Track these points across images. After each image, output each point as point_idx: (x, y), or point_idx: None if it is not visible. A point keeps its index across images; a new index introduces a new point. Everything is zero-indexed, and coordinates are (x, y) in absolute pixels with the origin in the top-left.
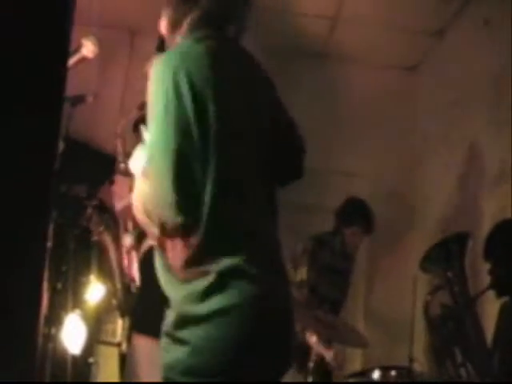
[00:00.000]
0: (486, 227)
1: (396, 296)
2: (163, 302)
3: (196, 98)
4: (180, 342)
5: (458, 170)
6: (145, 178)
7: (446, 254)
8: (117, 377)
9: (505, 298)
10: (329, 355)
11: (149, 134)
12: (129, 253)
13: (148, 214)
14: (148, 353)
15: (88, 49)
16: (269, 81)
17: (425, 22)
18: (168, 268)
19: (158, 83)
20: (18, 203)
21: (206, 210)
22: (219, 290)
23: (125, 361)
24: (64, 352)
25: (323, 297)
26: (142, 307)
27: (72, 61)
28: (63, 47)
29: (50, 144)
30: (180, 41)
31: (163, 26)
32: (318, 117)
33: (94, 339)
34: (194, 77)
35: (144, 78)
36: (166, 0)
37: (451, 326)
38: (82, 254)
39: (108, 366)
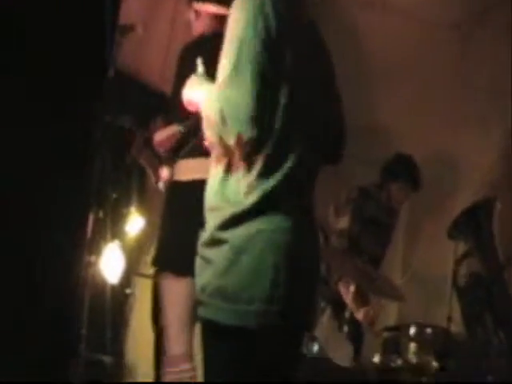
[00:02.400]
0: None
1: (435, 257)
2: (187, 237)
3: (280, 31)
4: (209, 262)
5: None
6: (224, 88)
7: (474, 220)
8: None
9: None
10: (359, 314)
11: (227, 55)
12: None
13: (224, 124)
14: (173, 291)
15: None
16: (329, 52)
17: None
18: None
19: (244, 10)
20: (63, 132)
21: (272, 137)
22: (255, 216)
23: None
24: (102, 281)
25: (363, 249)
26: (166, 244)
27: None
28: None
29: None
30: None
31: None
32: (360, 70)
33: (132, 270)
34: (281, 11)
35: (191, 13)
36: None
37: (480, 293)
38: (124, 184)
39: (145, 298)
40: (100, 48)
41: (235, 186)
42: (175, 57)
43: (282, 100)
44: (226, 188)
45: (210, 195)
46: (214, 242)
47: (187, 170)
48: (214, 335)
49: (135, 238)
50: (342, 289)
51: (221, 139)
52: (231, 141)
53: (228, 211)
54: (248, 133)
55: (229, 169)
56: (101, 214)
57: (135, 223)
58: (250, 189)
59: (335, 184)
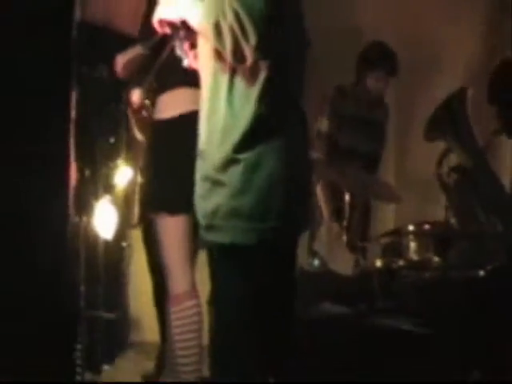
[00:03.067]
0: None
1: (427, 155)
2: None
3: None
4: (221, 184)
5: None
6: None
7: (449, 116)
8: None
9: None
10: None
11: None
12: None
13: (242, 27)
14: (172, 230)
15: None
16: None
17: None
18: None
19: None
20: (40, 86)
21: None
22: (258, 135)
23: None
24: (97, 238)
25: (353, 150)
26: (156, 185)
27: None
28: None
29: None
30: None
31: None
32: None
33: (126, 223)
34: None
35: None
36: None
37: (466, 186)
38: (109, 138)
39: (142, 249)
40: None
41: (245, 96)
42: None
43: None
44: (234, 102)
45: (215, 116)
46: (228, 164)
47: (170, 104)
48: (230, 258)
49: (125, 190)
50: (318, 192)
51: (236, 45)
52: (252, 42)
53: (240, 130)
54: (265, 32)
55: (234, 77)
56: (87, 173)
57: (124, 175)
58: (259, 101)
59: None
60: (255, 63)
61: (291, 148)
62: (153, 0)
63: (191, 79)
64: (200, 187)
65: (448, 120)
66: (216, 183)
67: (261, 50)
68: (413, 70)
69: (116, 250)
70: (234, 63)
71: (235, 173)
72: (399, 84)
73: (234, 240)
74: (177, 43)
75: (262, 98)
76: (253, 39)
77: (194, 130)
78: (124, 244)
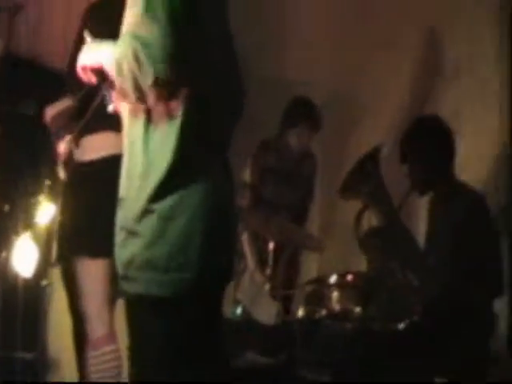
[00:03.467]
0: None
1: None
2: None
3: None
4: (136, 234)
5: (410, 69)
6: (136, 29)
7: (362, 176)
8: None
9: (430, 195)
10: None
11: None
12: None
13: (139, 65)
14: (91, 273)
15: None
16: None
17: None
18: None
19: None
20: None
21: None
22: (174, 183)
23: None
24: (16, 276)
25: (277, 202)
26: (77, 228)
27: None
28: None
29: None
30: None
31: None
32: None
33: (47, 261)
34: None
35: None
36: None
37: (380, 243)
38: (32, 173)
39: (62, 289)
40: None
41: (160, 142)
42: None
43: (196, 43)
44: (150, 145)
45: (132, 162)
46: (143, 214)
47: (92, 147)
48: (146, 309)
49: (47, 227)
50: (243, 240)
51: (136, 84)
52: (148, 81)
53: (155, 178)
54: (167, 69)
55: (149, 120)
56: (6, 208)
57: (46, 212)
58: (175, 145)
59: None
60: (165, 104)
61: (211, 196)
62: (80, 40)
63: (115, 123)
64: (118, 236)
65: (361, 180)
66: (131, 233)
67: (162, 89)
68: (341, 121)
69: (36, 288)
70: (137, 103)
71: (149, 223)
72: (325, 136)
73: (148, 291)
74: (103, 89)
75: (178, 141)
76: (149, 79)
77: (117, 174)
78: (44, 282)
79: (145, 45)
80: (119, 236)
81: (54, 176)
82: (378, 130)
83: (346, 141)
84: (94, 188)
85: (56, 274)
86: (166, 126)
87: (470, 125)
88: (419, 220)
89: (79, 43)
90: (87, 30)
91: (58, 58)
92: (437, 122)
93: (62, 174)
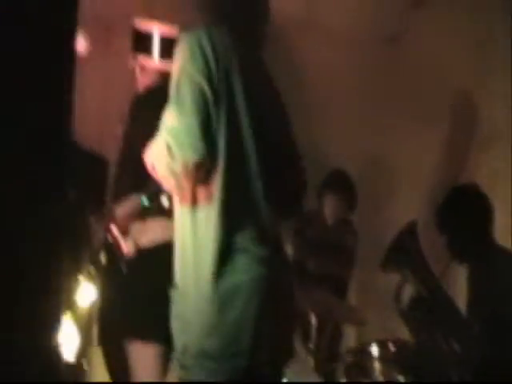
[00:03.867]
0: None
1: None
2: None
3: (221, 61)
4: (190, 323)
5: (443, 134)
6: (167, 122)
7: (402, 250)
8: None
9: (470, 262)
10: None
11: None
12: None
13: (170, 154)
14: (142, 358)
15: (80, 44)
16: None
17: None
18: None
19: (183, 47)
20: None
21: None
22: (229, 269)
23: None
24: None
25: (321, 274)
26: (129, 311)
27: None
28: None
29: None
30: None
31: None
32: (299, 95)
33: (87, 342)
34: (220, 42)
35: (123, 74)
36: None
37: (423, 315)
38: (73, 257)
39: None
40: None
41: (205, 226)
42: (112, 118)
43: (229, 125)
44: (198, 231)
45: (184, 250)
46: (196, 304)
47: (147, 232)
48: None
49: (88, 309)
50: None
51: (172, 171)
52: (179, 168)
53: (205, 267)
54: (194, 156)
55: (194, 206)
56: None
57: (87, 294)
58: (217, 233)
59: None
60: (205, 188)
61: (265, 281)
62: (133, 116)
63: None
64: (173, 324)
65: (401, 254)
66: (186, 322)
67: (197, 173)
68: (373, 194)
69: (76, 370)
70: (178, 190)
71: (204, 312)
72: (361, 206)
73: (203, 379)
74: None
75: (220, 225)
76: (180, 165)
77: (169, 260)
78: (84, 364)
79: (174, 135)
80: (174, 324)
81: (95, 260)
82: (414, 198)
83: (383, 210)
84: (148, 273)
85: (96, 355)
86: (208, 210)
87: (508, 186)
88: (460, 288)
89: (132, 134)
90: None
91: (94, 140)
92: (473, 190)
93: (103, 259)
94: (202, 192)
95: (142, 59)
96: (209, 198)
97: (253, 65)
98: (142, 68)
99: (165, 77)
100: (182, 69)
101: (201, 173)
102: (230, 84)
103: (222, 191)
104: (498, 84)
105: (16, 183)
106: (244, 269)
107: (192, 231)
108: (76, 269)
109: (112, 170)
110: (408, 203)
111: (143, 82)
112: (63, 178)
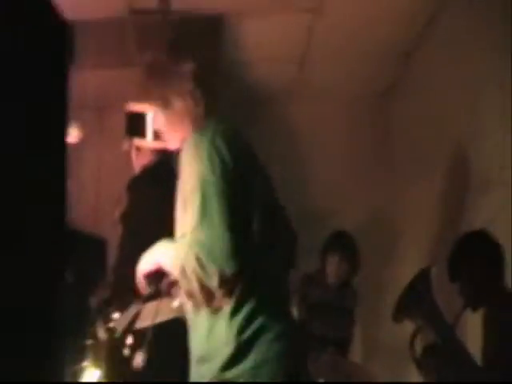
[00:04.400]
0: None
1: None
2: None
3: (238, 160)
4: None
5: (440, 188)
6: (196, 233)
7: (414, 298)
8: None
9: (483, 309)
10: None
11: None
12: None
13: (203, 268)
14: None
15: (73, 135)
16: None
17: (391, 46)
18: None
19: (197, 150)
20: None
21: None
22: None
23: None
24: None
25: (324, 336)
26: None
27: None
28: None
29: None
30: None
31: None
32: (294, 155)
33: None
34: (233, 141)
35: (117, 156)
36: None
37: (440, 363)
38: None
39: None
40: None
41: (226, 327)
42: (106, 199)
43: (255, 226)
44: (216, 331)
45: (199, 346)
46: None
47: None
48: None
49: None
50: None
51: (202, 285)
52: (214, 282)
53: (226, 352)
54: (230, 268)
55: (214, 312)
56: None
57: (91, 377)
58: (241, 326)
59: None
60: (231, 291)
61: (283, 359)
62: (131, 196)
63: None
64: None
65: (414, 302)
66: None
67: (229, 286)
68: (377, 250)
69: None
70: (205, 303)
71: None
72: (364, 265)
73: None
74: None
75: (242, 325)
76: (215, 280)
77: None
78: None
79: (206, 249)
80: None
81: (95, 340)
82: (416, 250)
83: (385, 265)
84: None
85: None
86: (232, 313)
87: (505, 231)
88: (474, 336)
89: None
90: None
91: (90, 221)
92: (484, 237)
93: (102, 334)
94: (227, 299)
95: (137, 141)
96: (234, 305)
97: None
98: (137, 149)
99: (160, 154)
100: (201, 176)
101: (233, 283)
102: (249, 182)
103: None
104: (491, 133)
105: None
106: (263, 350)
107: (209, 333)
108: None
109: (112, 252)
110: (410, 256)
111: (139, 162)
112: (63, 266)
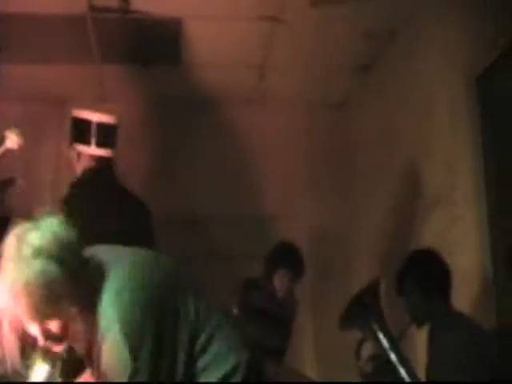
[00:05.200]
0: None
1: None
2: None
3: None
4: None
5: (390, 202)
6: None
7: (362, 309)
8: None
9: (428, 326)
10: None
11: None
12: None
13: None
14: None
15: (12, 140)
16: None
17: (349, 59)
18: None
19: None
20: None
21: None
22: None
23: None
24: None
25: (258, 342)
26: None
27: None
28: None
29: None
30: None
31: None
32: (251, 162)
33: None
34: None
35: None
36: None
37: (382, 373)
38: None
39: None
40: None
41: None
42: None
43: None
44: None
45: None
46: None
47: None
48: None
49: None
50: None
51: None
52: None
53: None
54: None
55: None
56: None
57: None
58: None
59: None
60: None
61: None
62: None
63: None
64: None
65: (361, 312)
66: None
67: None
68: (325, 264)
69: None
70: None
71: None
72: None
73: None
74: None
75: None
76: None
77: None
78: None
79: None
80: None
81: None
82: (367, 265)
83: (336, 280)
84: None
85: None
86: None
87: (453, 248)
88: (418, 352)
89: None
90: None
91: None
92: (431, 255)
93: None
94: None
95: (80, 148)
96: None
97: None
98: (79, 155)
99: (97, 159)
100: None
101: None
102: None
103: None
104: (440, 150)
105: None
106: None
107: None
108: None
109: None
110: (361, 271)
111: (79, 166)
112: None
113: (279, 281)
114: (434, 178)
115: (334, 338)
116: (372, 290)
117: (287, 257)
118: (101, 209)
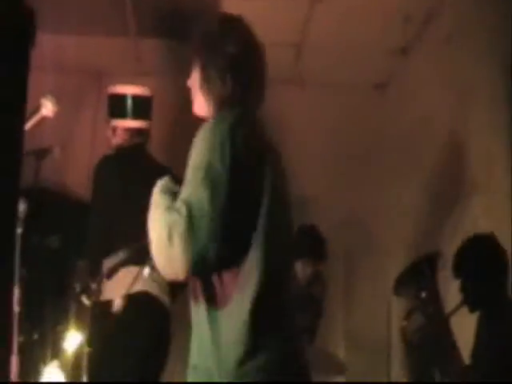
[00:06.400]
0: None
1: (374, 319)
2: None
3: (247, 157)
4: None
5: (426, 187)
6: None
7: (417, 276)
8: None
9: (480, 311)
10: None
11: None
12: None
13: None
14: None
15: (47, 108)
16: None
17: (389, 41)
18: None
19: (211, 135)
20: None
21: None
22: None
23: None
24: None
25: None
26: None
27: (32, 121)
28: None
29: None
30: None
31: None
32: (285, 143)
33: None
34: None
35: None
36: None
37: (428, 347)
38: (58, 303)
39: None
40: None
41: (226, 328)
42: None
43: (255, 219)
44: (218, 329)
45: (201, 338)
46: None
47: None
48: None
49: (74, 355)
50: None
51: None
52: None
53: (228, 355)
54: (212, 252)
55: (210, 305)
56: (35, 337)
57: (73, 340)
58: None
59: None
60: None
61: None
62: (98, 174)
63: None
64: None
65: (417, 279)
66: None
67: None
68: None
69: None
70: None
71: None
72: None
73: None
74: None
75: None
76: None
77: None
78: None
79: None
80: None
81: (79, 305)
82: (397, 247)
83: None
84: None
85: None
86: (229, 314)
87: None
88: (467, 335)
89: (97, 190)
90: None
91: (82, 187)
92: (491, 240)
93: (86, 301)
94: (219, 293)
95: (116, 122)
96: (226, 300)
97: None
98: (113, 130)
99: (134, 135)
100: (208, 161)
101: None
102: (260, 179)
103: (248, 294)
104: (479, 137)
105: None
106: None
107: (210, 325)
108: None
109: None
110: (395, 256)
111: (115, 142)
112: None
113: (301, 270)
114: (471, 166)
115: (363, 324)
116: (430, 261)
117: (307, 245)
118: (127, 184)
